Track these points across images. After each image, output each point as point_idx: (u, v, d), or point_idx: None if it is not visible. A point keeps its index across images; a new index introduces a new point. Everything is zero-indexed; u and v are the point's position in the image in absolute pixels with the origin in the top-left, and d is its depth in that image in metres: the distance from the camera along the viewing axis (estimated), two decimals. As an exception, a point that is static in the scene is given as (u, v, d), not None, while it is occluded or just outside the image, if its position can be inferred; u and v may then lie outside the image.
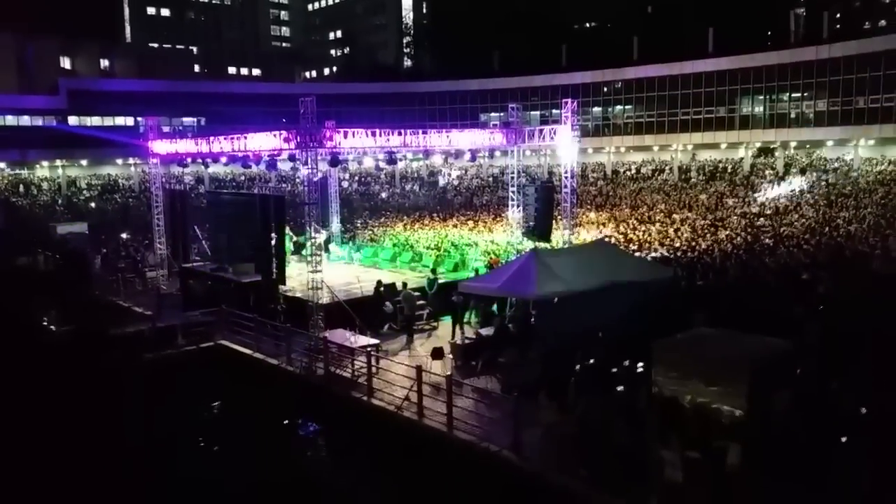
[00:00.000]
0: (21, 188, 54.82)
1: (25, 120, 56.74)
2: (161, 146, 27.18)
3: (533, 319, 17.72)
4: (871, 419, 11.06)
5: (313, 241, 18.91)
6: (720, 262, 25.20)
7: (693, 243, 29.63)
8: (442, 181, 61.40)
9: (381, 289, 21.59)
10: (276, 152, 20.90)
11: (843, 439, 10.49)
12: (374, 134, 21.12)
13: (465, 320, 20.53)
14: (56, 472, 13.98)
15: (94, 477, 13.72)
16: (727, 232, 32.34)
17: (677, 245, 29.41)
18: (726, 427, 11.47)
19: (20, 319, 23.07)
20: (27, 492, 13.56)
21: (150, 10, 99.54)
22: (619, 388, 13.21)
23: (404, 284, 21.68)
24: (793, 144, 51.54)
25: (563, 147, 25.51)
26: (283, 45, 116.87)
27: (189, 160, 26.95)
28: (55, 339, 21.54)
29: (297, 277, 22.39)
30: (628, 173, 57.80)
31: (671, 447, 10.68)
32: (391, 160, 22.34)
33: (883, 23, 68.55)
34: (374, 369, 16.45)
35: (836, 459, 10.23)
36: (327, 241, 28.76)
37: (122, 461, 14.25)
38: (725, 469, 10.42)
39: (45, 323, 23.25)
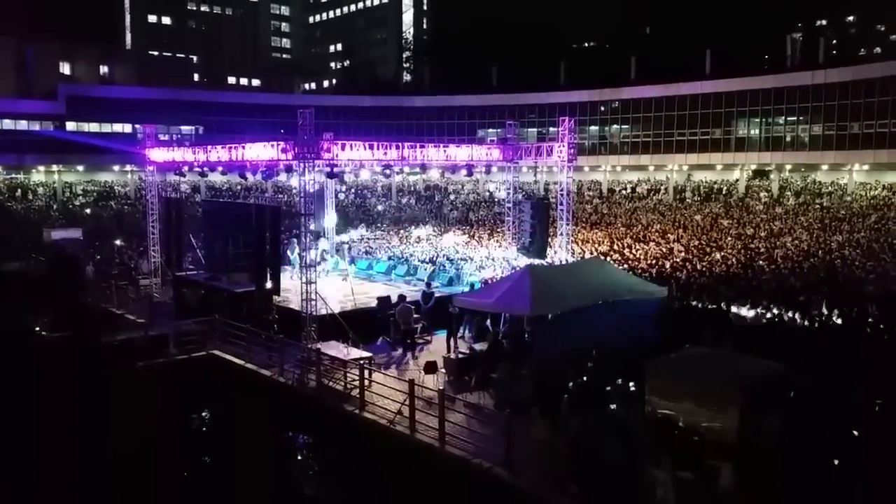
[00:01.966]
0: (18, 192, 54.68)
1: (23, 124, 56.74)
2: (158, 154, 27.19)
3: (527, 336, 17.71)
4: (864, 442, 11.07)
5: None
6: (714, 283, 25.25)
7: (688, 263, 29.70)
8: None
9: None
10: (273, 163, 20.93)
11: (836, 462, 10.50)
12: (371, 146, 21.18)
13: (460, 335, 20.49)
14: (45, 478, 13.86)
15: (82, 485, 13.61)
16: (722, 253, 32.44)
17: (671, 264, 29.47)
18: (718, 448, 11.47)
19: (11, 325, 22.93)
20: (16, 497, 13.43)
21: (152, 18, 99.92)
22: (612, 407, 13.20)
23: (401, 297, 21.67)
24: (788, 167, 51.89)
25: (560, 165, 25.63)
26: (284, 56, 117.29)
27: (186, 169, 26.94)
28: (46, 346, 21.39)
29: (291, 288, 22.35)
30: (624, 192, 58.01)
31: (663, 467, 10.66)
32: (388, 173, 22.40)
33: (878, 50, 69.37)
34: (366, 382, 16.40)
35: (829, 482, 10.23)
36: (322, 253, 28.73)
37: (110, 470, 14.13)
38: (717, 490, 10.40)
39: (38, 329, 23.11)
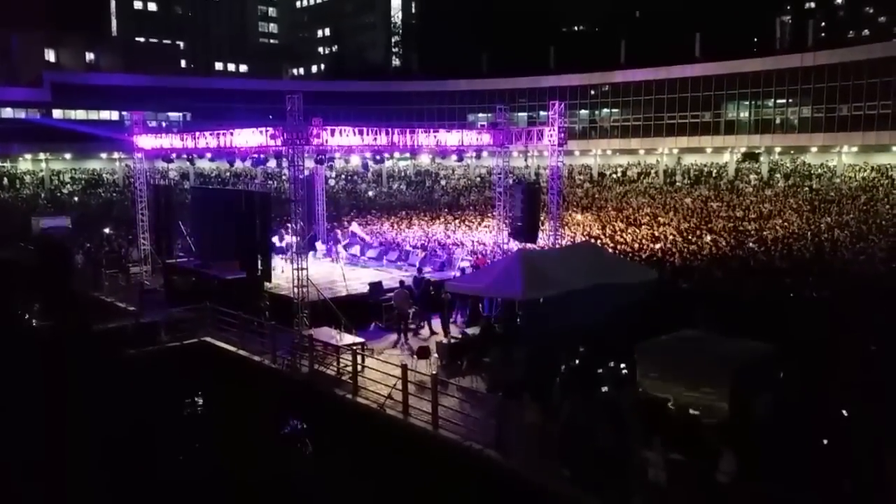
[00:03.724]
0: (5, 181, 54.19)
1: (8, 112, 56.19)
2: (146, 141, 26.96)
3: (518, 320, 17.75)
4: (851, 422, 11.18)
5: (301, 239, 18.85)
6: (705, 266, 25.37)
7: (678, 246, 29.80)
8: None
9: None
10: (262, 149, 20.78)
11: (825, 441, 10.60)
12: (361, 132, 21.04)
13: (452, 320, 20.50)
14: (36, 468, 13.84)
15: (74, 473, 13.60)
16: (712, 235, 32.57)
17: (660, 247, 29.56)
18: (709, 430, 11.55)
19: (0, 314, 22.81)
20: (7, 488, 13.41)
21: (137, 4, 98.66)
22: (604, 390, 13.26)
23: (401, 283, 21.64)
24: (777, 150, 52.05)
25: (550, 149, 25.59)
26: (271, 41, 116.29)
27: (174, 155, 26.70)
28: (37, 334, 21.30)
29: (282, 275, 22.29)
30: (614, 176, 58.07)
31: (654, 448, 10.73)
32: (378, 159, 22.29)
33: (866, 32, 69.53)
34: (359, 367, 16.41)
35: (817, 462, 10.32)
36: (312, 239, 28.64)
37: (102, 458, 14.12)
38: (714, 472, 10.45)
39: (27, 317, 22.99)
